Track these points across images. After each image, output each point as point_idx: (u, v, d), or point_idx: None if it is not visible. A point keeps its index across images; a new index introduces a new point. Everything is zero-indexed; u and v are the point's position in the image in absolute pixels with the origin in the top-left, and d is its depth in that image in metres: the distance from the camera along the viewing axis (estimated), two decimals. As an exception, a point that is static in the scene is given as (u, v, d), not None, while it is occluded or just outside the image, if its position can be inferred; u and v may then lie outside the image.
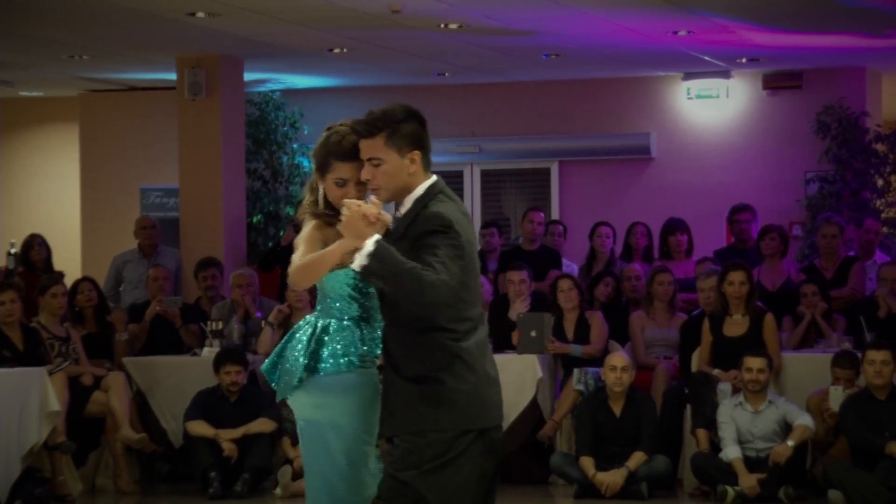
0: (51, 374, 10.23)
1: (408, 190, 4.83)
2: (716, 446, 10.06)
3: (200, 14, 11.29)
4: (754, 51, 13.62)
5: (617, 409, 10.31)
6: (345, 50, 13.13)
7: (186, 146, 13.56)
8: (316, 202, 5.00)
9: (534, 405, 10.88)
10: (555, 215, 15.07)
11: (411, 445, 4.75)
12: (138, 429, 10.86)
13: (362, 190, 4.93)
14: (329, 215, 4.94)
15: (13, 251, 12.93)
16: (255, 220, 14.58)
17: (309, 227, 4.97)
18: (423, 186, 4.84)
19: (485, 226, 13.81)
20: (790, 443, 9.77)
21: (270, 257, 13.23)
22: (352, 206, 4.69)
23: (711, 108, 15.07)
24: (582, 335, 11.19)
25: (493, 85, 15.39)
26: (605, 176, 15.29)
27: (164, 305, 11.82)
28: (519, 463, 11.18)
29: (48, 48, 12.86)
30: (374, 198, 4.79)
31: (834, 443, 10.03)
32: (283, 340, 5.06)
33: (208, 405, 10.68)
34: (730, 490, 9.77)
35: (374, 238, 4.63)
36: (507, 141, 15.50)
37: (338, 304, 4.95)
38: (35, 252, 12.67)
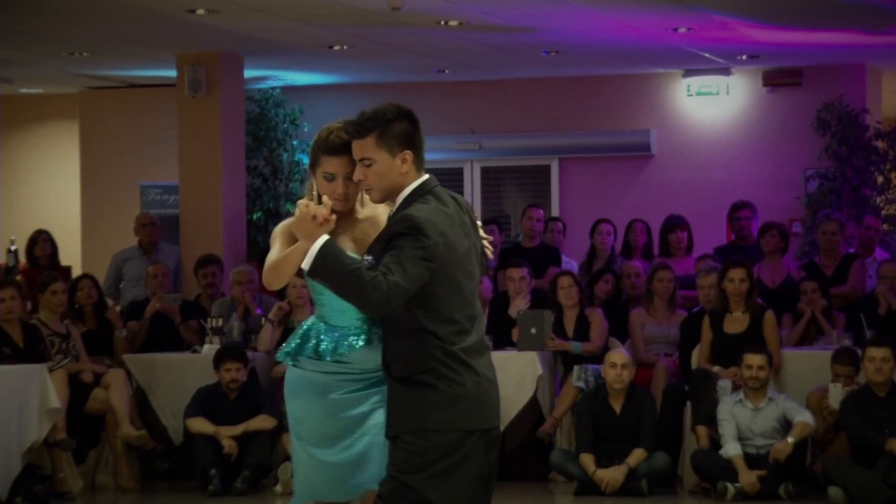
0: (51, 371, 10.23)
1: (399, 190, 4.84)
2: (716, 443, 10.06)
3: (200, 11, 11.29)
4: (754, 48, 13.61)
5: (617, 406, 10.31)
6: (345, 47, 13.13)
7: (186, 143, 13.56)
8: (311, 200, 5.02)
9: (534, 402, 10.88)
10: (555, 212, 15.06)
11: (415, 448, 4.75)
12: (138, 426, 10.86)
13: (352, 186, 4.94)
14: None
15: (13, 248, 12.92)
16: (255, 217, 14.58)
17: (286, 222, 5.02)
18: (411, 186, 4.85)
19: (485, 223, 13.76)
20: (790, 440, 9.77)
21: (270, 254, 13.21)
22: (301, 207, 4.74)
23: (711, 105, 15.06)
24: (582, 332, 11.19)
25: (493, 82, 15.38)
26: (605, 173, 15.28)
27: (163, 302, 11.82)
28: (519, 460, 11.18)
29: (48, 45, 12.86)
30: (326, 198, 4.82)
31: (834, 440, 10.04)
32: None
33: (208, 402, 10.68)
34: (730, 487, 9.77)
35: (322, 239, 4.68)
36: (507, 138, 15.49)
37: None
38: (40, 248, 12.67)
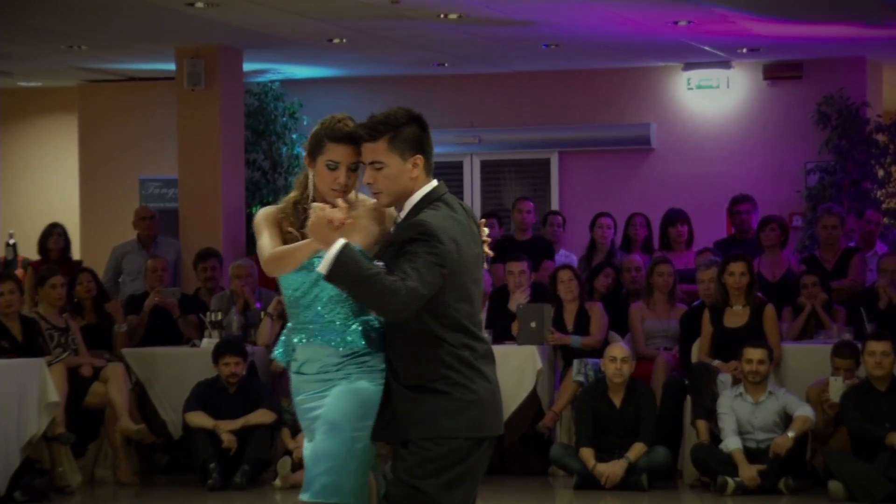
0: (50, 365, 10.23)
1: (408, 194, 4.83)
2: (716, 437, 10.06)
3: (199, 4, 11.28)
4: (755, 41, 13.60)
5: (617, 400, 10.31)
6: (344, 40, 13.11)
7: (185, 137, 13.55)
8: (301, 198, 4.97)
9: (533, 396, 10.88)
10: (555, 206, 15.06)
11: (430, 454, 4.75)
12: (137, 420, 10.86)
13: (353, 177, 4.92)
14: (298, 219, 4.94)
15: (12, 242, 12.92)
16: (254, 210, 14.57)
17: (270, 213, 4.96)
18: (421, 192, 4.84)
19: (484, 216, 13.80)
20: (790, 434, 9.78)
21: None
22: (318, 211, 4.69)
23: (712, 98, 15.05)
24: (582, 326, 11.19)
25: (492, 75, 15.37)
26: (605, 167, 15.28)
27: (162, 296, 11.82)
28: (518, 454, 11.18)
29: (47, 38, 12.85)
30: (340, 201, 4.78)
31: (834, 434, 10.04)
32: None
33: (207, 396, 10.68)
34: (730, 481, 9.78)
35: (339, 243, 4.64)
36: (507, 132, 15.49)
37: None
38: (53, 241, 12.69)
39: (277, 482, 10.26)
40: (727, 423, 9.96)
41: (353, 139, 4.88)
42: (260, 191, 14.78)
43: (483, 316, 11.66)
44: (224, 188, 13.42)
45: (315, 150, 4.93)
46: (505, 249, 12.42)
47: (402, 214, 4.85)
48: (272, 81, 15.26)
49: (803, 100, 14.58)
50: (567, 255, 13.14)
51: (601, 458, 10.15)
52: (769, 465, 9.77)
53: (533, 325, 10.97)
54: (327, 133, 4.90)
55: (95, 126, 15.32)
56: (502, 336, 11.25)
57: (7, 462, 9.67)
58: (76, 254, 14.42)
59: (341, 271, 4.63)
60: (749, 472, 9.76)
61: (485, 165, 15.67)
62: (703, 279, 11.11)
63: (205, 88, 13.37)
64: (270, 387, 10.96)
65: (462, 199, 16.32)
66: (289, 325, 5.04)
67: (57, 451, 10.28)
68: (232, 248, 13.37)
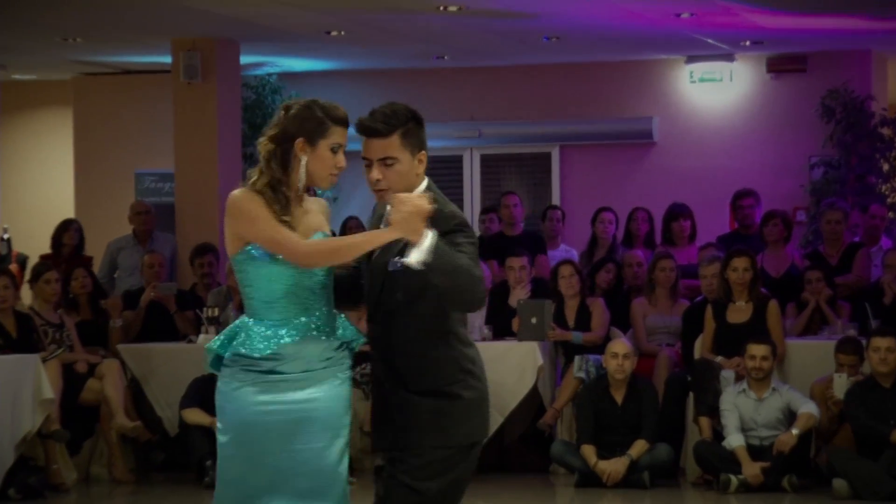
0: (44, 361, 10.23)
1: (410, 191, 4.75)
2: (719, 434, 10.06)
3: (196, -4, 11.29)
4: (758, 34, 13.60)
5: (618, 396, 10.31)
6: (342, 33, 13.11)
7: (182, 130, 13.55)
8: (277, 182, 4.77)
9: (534, 393, 10.88)
10: (555, 200, 15.06)
11: (436, 457, 4.74)
12: (133, 417, 10.87)
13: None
14: (282, 205, 4.77)
15: (6, 237, 12.92)
16: (251, 205, 14.57)
17: (258, 201, 4.73)
18: (422, 187, 4.82)
19: (484, 211, 13.80)
20: (794, 431, 9.78)
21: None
22: (406, 202, 4.58)
23: (714, 91, 15.05)
24: (583, 322, 11.19)
25: (492, 68, 15.37)
26: (606, 161, 15.28)
27: (158, 292, 11.82)
28: (519, 452, 11.19)
29: (41, 31, 12.84)
30: (422, 192, 4.72)
31: (838, 431, 10.04)
32: None
33: (204, 393, 10.65)
34: (733, 479, 9.78)
35: (432, 234, 4.56)
36: (508, 125, 15.48)
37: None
38: (69, 236, 12.71)
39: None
40: (730, 420, 9.96)
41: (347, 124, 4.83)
42: (257, 185, 14.76)
43: (483, 312, 11.67)
44: (221, 182, 13.41)
45: (316, 132, 4.78)
46: (500, 245, 12.42)
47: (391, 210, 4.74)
48: (269, 74, 15.25)
49: (807, 93, 14.58)
50: (567, 251, 13.14)
51: (602, 455, 10.15)
52: (772, 462, 9.77)
53: (533, 321, 10.96)
54: (332, 116, 4.80)
55: (91, 120, 15.31)
56: (502, 332, 11.24)
57: (1, 459, 9.68)
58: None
59: (438, 262, 4.55)
60: (752, 470, 9.77)
61: (485, 159, 15.67)
62: (705, 275, 11.11)
63: (201, 82, 13.37)
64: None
65: (462, 193, 16.34)
66: (251, 323, 4.79)
67: (52, 449, 10.28)
68: (229, 243, 13.35)
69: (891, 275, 11.18)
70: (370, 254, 4.82)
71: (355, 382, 9.24)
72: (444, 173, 15.28)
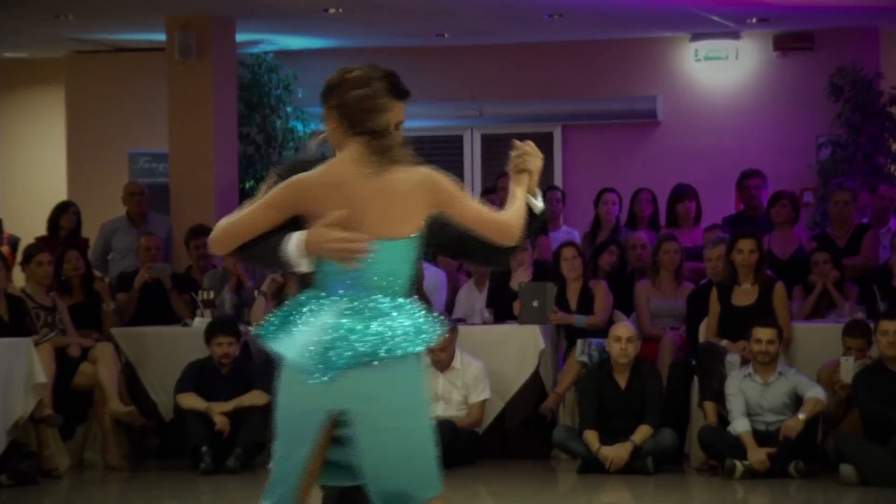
0: (37, 344, 10.23)
1: None
2: (724, 419, 10.06)
3: (190, -28, 11.26)
4: (764, 10, 13.56)
5: (622, 381, 10.31)
6: (340, 10, 13.07)
7: (176, 110, 13.52)
8: None
9: (536, 378, 10.88)
10: (557, 181, 15.04)
11: None
12: (127, 402, 10.87)
13: None
14: None
15: (-4, 219, 12.92)
16: (247, 186, 14.53)
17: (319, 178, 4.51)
18: None
19: (485, 192, 13.77)
20: (801, 416, 9.77)
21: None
22: (527, 147, 4.79)
23: (720, 70, 15.02)
24: (586, 305, 11.19)
25: (494, 46, 15.33)
26: (609, 141, 15.25)
27: (152, 272, 11.81)
28: (521, 437, 11.20)
29: (33, 7, 12.81)
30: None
31: (846, 416, 10.04)
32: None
33: (200, 377, 10.68)
34: (738, 464, 9.78)
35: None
36: (509, 105, 15.45)
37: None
38: (66, 219, 12.70)
39: (272, 466, 10.24)
40: (735, 405, 9.96)
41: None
42: (253, 166, 14.74)
43: (484, 295, 11.67)
44: (216, 163, 13.39)
45: (378, 108, 4.57)
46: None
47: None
48: (266, 53, 15.21)
49: (815, 72, 14.54)
50: (569, 232, 13.13)
51: (605, 441, 10.15)
52: (779, 448, 9.76)
53: (535, 304, 10.96)
54: (395, 89, 4.62)
55: (83, 99, 15.28)
56: (504, 316, 11.25)
57: (-7, 445, 9.69)
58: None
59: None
60: (758, 456, 9.76)
61: (485, 139, 15.64)
62: (710, 257, 11.10)
63: (196, 60, 13.34)
64: (264, 367, 10.95)
65: (462, 174, 16.29)
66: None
67: (44, 434, 10.28)
68: (225, 224, 13.33)
69: (900, 257, 11.17)
70: None
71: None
72: (444, 153, 15.24)
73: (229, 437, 10.44)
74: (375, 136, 4.54)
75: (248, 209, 4.54)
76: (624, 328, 10.42)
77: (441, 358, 10.57)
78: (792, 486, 9.63)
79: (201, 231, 12.32)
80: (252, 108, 14.98)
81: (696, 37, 14.95)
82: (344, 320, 4.46)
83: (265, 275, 11.54)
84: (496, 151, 15.65)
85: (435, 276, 12.00)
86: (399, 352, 4.45)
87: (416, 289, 4.72)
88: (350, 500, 4.77)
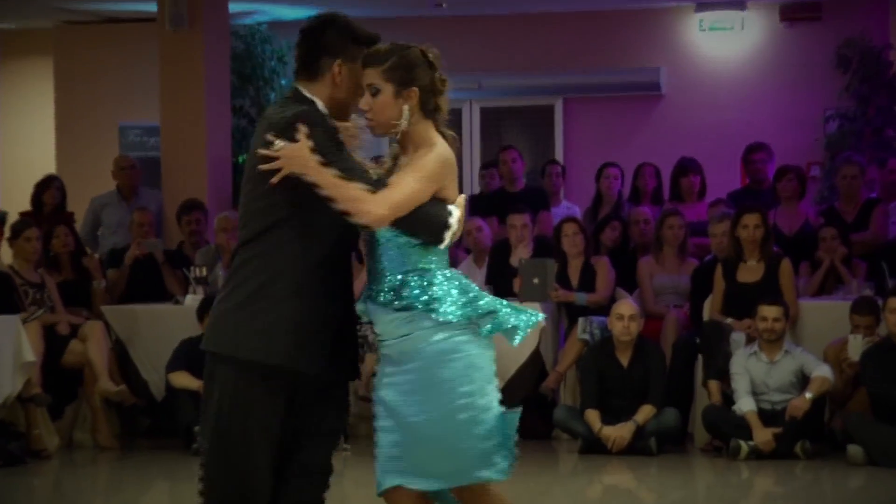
0: (25, 322, 10.22)
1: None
2: (729, 399, 10.06)
3: (182, -60, 11.21)
4: (771, -20, 13.53)
5: (624, 360, 10.30)
6: (336, -21, 13.01)
7: (168, 82, 13.48)
8: None
9: (536, 356, 10.87)
10: (558, 155, 15.03)
11: None
12: (118, 381, 10.86)
13: None
14: None
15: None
16: (240, 160, 14.51)
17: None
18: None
19: (484, 167, 13.75)
20: (808, 395, 9.77)
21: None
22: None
23: (725, 41, 15.00)
24: (587, 282, 11.18)
25: (493, 17, 15.30)
26: (612, 114, 15.24)
27: (143, 248, 11.79)
28: (520, 418, 11.16)
29: (20, -23, 12.78)
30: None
31: (853, 395, 10.04)
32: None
33: (192, 355, 10.65)
34: (743, 445, 9.78)
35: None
36: (509, 77, 15.43)
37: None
38: (49, 194, 12.66)
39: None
40: (741, 384, 9.96)
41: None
42: (246, 139, 14.71)
43: (483, 271, 11.66)
44: (209, 136, 13.36)
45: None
46: (500, 202, 12.38)
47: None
48: (259, 23, 15.18)
49: (822, 43, 14.52)
50: (570, 207, 13.11)
51: (607, 420, 10.14)
52: (785, 428, 9.76)
53: (536, 281, 10.94)
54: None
55: (73, 70, 15.25)
56: (503, 293, 11.19)
57: (-20, 425, 9.68)
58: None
59: None
60: (764, 436, 9.76)
61: (485, 112, 15.62)
62: (715, 232, 11.09)
63: (188, 30, 13.29)
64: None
65: (461, 148, 16.32)
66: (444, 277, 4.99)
67: (33, 414, 10.27)
68: (217, 199, 13.32)
69: (909, 232, 11.16)
70: None
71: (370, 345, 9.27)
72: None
73: (222, 416, 10.41)
74: (441, 117, 5.01)
75: (407, 183, 4.81)
76: (626, 305, 10.40)
77: (439, 336, 10.54)
78: (798, 466, 9.63)
79: (193, 206, 12.31)
80: (245, 80, 14.95)
81: (701, 7, 14.93)
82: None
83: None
84: (496, 125, 15.65)
85: (433, 253, 11.97)
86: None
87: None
88: None
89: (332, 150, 4.76)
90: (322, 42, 4.93)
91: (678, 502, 8.74)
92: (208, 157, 13.37)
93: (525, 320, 4.97)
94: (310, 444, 4.97)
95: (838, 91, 14.21)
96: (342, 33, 4.96)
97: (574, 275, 11.25)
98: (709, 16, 14.96)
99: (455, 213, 4.92)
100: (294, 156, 4.68)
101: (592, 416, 10.17)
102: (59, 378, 10.72)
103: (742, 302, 10.39)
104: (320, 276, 4.82)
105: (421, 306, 4.81)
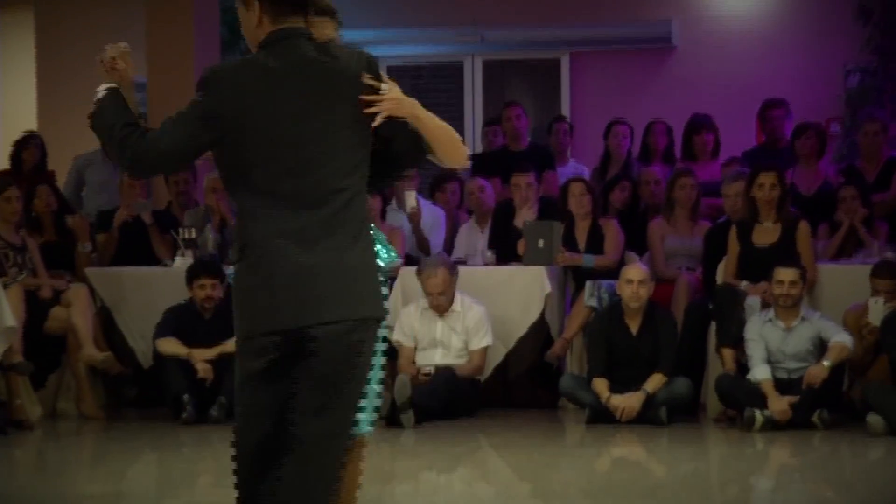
0: (5, 286, 10.23)
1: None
2: (743, 367, 10.08)
3: None
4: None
5: (633, 326, 10.31)
6: (331, -74, 12.98)
7: (155, 35, 13.45)
8: None
9: (541, 323, 10.89)
10: (565, 112, 15.01)
11: None
12: (103, 348, 10.87)
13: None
14: None
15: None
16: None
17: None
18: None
19: (487, 124, 13.74)
20: (826, 363, 9.78)
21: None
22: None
23: (740, -9, 14.97)
24: (595, 245, 11.18)
25: (496, -34, 15.27)
26: (621, 68, 15.20)
27: (132, 210, 11.78)
28: (525, 387, 11.22)
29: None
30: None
31: (873, 362, 10.06)
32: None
33: (181, 322, 10.68)
34: (758, 415, 9.79)
35: (104, 89, 4.81)
36: (513, 29, 15.39)
37: None
38: (29, 153, 12.65)
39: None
40: (755, 352, 9.97)
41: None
42: (237, 95, 14.70)
43: (485, 234, 11.66)
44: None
45: None
46: (503, 161, 12.37)
47: None
48: (251, -26, 15.12)
49: (842, -7, 14.49)
50: (577, 167, 13.10)
51: (616, 390, 10.16)
52: (802, 397, 9.78)
53: (541, 243, 10.95)
54: None
55: (55, 21, 15.21)
56: (507, 256, 11.24)
57: (-41, 394, 9.70)
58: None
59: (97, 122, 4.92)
60: (779, 405, 9.78)
61: (488, 67, 15.59)
62: (729, 193, 11.08)
63: (176, -20, 13.28)
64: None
65: (462, 104, 16.18)
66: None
67: (14, 382, 10.30)
68: (206, 158, 13.29)
69: (933, 192, 11.16)
70: None
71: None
72: (443, 82, 15.21)
73: (212, 385, 10.45)
74: None
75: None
76: (636, 269, 10.40)
77: (440, 301, 10.57)
78: (815, 437, 9.65)
79: (182, 165, 12.28)
80: (235, 34, 14.91)
81: (715, -45, 14.88)
82: None
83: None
84: (499, 80, 15.62)
85: (433, 214, 12.00)
86: None
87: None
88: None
89: None
90: None
91: (690, 474, 8.76)
92: (197, 113, 13.34)
93: (386, 256, 5.10)
94: None
95: (859, 45, 14.18)
96: None
97: (581, 237, 11.25)
98: (723, -36, 14.92)
99: None
100: (402, 98, 4.68)
101: (600, 385, 10.19)
102: (41, 345, 10.73)
103: (757, 265, 10.39)
104: None
105: None
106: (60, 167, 13.14)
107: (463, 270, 10.88)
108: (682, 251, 11.36)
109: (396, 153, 4.83)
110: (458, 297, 10.69)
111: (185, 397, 10.35)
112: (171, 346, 10.56)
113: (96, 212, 12.33)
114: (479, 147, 13.93)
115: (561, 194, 11.46)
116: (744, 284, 10.50)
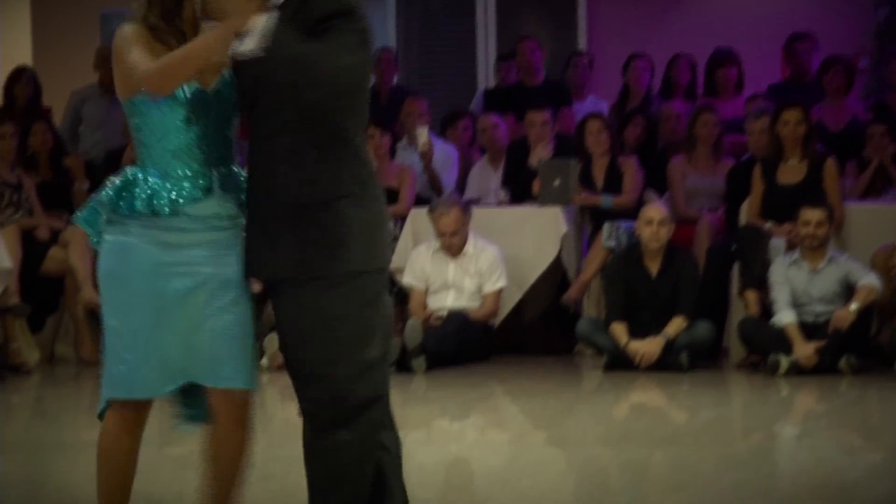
0: (1, 226, 10.25)
1: None
2: (767, 310, 10.09)
3: None
4: None
5: (653, 268, 10.33)
6: None
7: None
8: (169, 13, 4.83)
9: (557, 265, 10.91)
10: (582, 45, 14.96)
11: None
12: (102, 290, 10.89)
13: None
14: (165, 32, 4.82)
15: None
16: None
17: (131, 30, 4.86)
18: None
19: (500, 58, 13.72)
20: (853, 306, 9.80)
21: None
22: None
23: (766, -83, 14.90)
24: (613, 184, 11.18)
25: None
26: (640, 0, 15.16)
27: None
28: (540, 331, 11.25)
29: None
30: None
31: (903, 306, 10.09)
32: None
33: (183, 263, 10.69)
34: (783, 360, 9.82)
35: (266, 18, 4.49)
36: (527, -41, 15.36)
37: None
38: (21, 87, 12.65)
39: (264, 362, 10.29)
40: (780, 295, 9.99)
41: None
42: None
43: (499, 173, 11.67)
44: (198, 22, 13.31)
45: None
46: (517, 97, 12.36)
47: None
48: None
49: (873, -82, 14.42)
50: (596, 103, 13.09)
51: (635, 334, 10.19)
52: (828, 341, 9.80)
53: (556, 183, 10.96)
54: None
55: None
56: (521, 196, 11.25)
57: (-46, 337, 9.75)
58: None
59: (277, 52, 4.54)
60: (805, 350, 9.80)
61: (500, 0, 15.55)
62: (753, 129, 11.08)
63: None
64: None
65: (475, 39, 16.16)
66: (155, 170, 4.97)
67: (11, 325, 10.34)
68: (209, 93, 13.30)
69: (966, 129, 11.15)
70: None
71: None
72: (454, 17, 15.16)
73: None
74: None
75: None
76: (656, 209, 10.41)
77: (452, 242, 10.59)
78: (842, 382, 9.67)
79: (182, 99, 12.28)
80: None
81: None
82: None
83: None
84: (512, 13, 15.57)
85: (445, 153, 12.00)
86: None
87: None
88: None
89: None
90: None
91: (712, 421, 8.78)
92: (199, 46, 13.32)
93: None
94: None
95: (890, -26, 14.14)
96: None
97: (599, 176, 11.25)
98: None
99: None
100: None
101: (619, 330, 10.22)
102: (39, 287, 10.77)
103: (782, 205, 10.39)
104: None
105: None
106: (56, 103, 13.15)
107: (476, 211, 10.89)
108: (704, 190, 11.36)
109: None
110: (470, 238, 10.71)
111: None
112: (173, 289, 10.58)
113: (96, 149, 12.35)
114: (493, 83, 13.92)
115: (577, 131, 11.46)
116: (768, 225, 10.51)
